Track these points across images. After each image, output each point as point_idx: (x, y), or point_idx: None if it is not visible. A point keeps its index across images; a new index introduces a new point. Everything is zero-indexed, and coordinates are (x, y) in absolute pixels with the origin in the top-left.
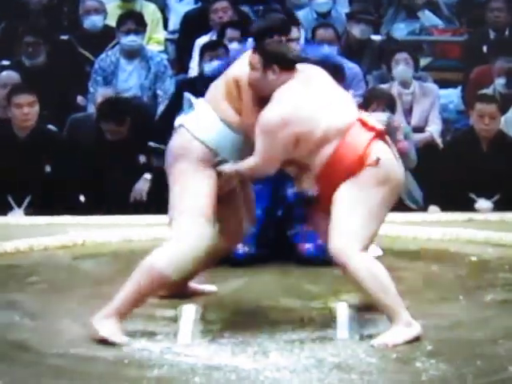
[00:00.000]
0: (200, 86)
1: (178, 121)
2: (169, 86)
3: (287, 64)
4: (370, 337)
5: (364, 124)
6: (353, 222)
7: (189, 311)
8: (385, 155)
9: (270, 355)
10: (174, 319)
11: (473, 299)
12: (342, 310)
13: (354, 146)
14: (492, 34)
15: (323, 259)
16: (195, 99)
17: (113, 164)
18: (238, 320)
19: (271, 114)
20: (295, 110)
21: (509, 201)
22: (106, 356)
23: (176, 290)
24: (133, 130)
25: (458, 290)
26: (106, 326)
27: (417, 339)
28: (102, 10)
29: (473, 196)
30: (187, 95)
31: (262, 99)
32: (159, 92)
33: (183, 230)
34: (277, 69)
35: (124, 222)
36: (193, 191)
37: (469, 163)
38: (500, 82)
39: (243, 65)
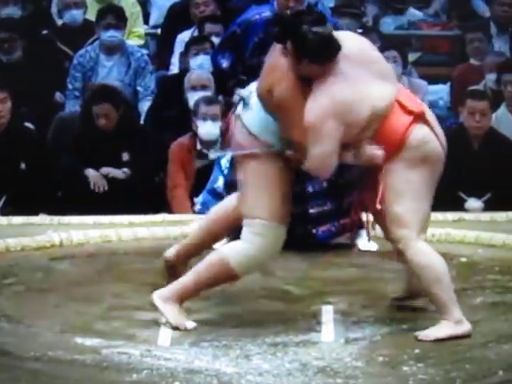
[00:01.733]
0: None
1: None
2: (149, 82)
3: (317, 59)
4: (356, 340)
5: (402, 106)
6: (405, 209)
7: None
8: (424, 138)
9: (253, 359)
10: (155, 322)
11: (462, 302)
12: (327, 313)
13: (392, 131)
14: (494, 29)
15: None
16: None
17: (95, 161)
18: (219, 323)
19: (311, 112)
20: (335, 102)
21: (500, 200)
22: (84, 359)
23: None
24: (119, 125)
25: None
26: (170, 310)
27: (465, 337)
28: (82, 4)
29: (463, 195)
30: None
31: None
32: (139, 88)
33: (257, 232)
34: (307, 63)
35: (103, 222)
36: (265, 191)
37: (459, 161)
38: (491, 77)
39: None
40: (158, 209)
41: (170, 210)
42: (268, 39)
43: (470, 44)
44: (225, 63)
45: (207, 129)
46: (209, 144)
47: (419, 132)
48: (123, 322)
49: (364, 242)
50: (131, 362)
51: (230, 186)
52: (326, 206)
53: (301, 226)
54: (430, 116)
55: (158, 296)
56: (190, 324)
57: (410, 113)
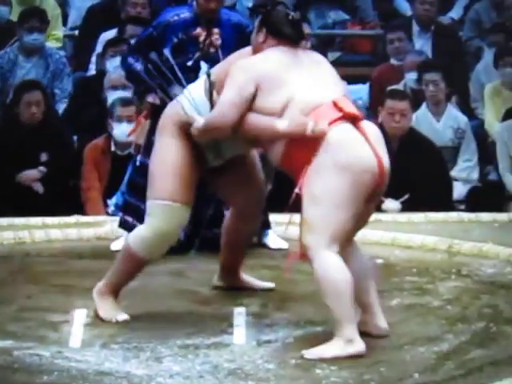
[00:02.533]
0: None
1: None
2: (67, 84)
3: (274, 32)
4: (269, 342)
5: (335, 105)
6: (317, 215)
7: (80, 315)
8: (348, 140)
9: (163, 361)
10: (66, 323)
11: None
12: (239, 315)
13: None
14: (416, 28)
15: None
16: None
17: (12, 160)
18: (130, 325)
19: (238, 63)
20: (262, 63)
21: (418, 201)
22: None
23: (228, 282)
24: (43, 121)
25: None
26: (103, 305)
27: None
28: (8, 2)
29: None
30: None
31: None
32: (56, 91)
33: (151, 211)
34: (264, 32)
35: (17, 223)
36: (165, 169)
37: None
38: (411, 77)
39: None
40: (71, 210)
41: (83, 212)
42: (186, 40)
43: (390, 44)
44: (139, 66)
45: (122, 130)
46: (123, 145)
47: (344, 131)
48: (35, 323)
49: (274, 241)
50: (42, 363)
51: (132, 187)
52: None
53: (214, 227)
54: (371, 130)
55: (95, 290)
56: (121, 316)
57: (339, 110)
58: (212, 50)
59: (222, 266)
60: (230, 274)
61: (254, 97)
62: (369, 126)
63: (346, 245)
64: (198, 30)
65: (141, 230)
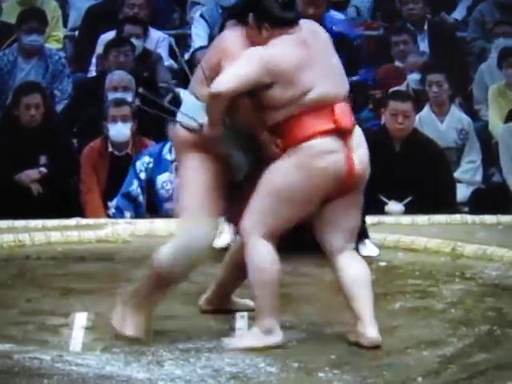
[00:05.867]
0: None
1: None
2: (66, 85)
3: (278, 22)
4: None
5: (332, 113)
6: (262, 205)
7: (81, 319)
8: (326, 153)
9: (165, 365)
10: (66, 327)
11: (380, 307)
12: (241, 318)
13: (303, 125)
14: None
15: None
16: (183, 92)
17: (11, 163)
18: None
19: (250, 49)
20: (277, 57)
21: (421, 203)
22: None
23: (219, 305)
24: (42, 122)
25: None
26: (129, 324)
27: (274, 348)
28: None
29: (383, 198)
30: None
31: None
32: (56, 92)
33: (180, 228)
34: (268, 27)
35: (17, 226)
36: (189, 188)
37: (379, 164)
38: (414, 77)
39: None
40: (71, 213)
41: (83, 214)
42: None
43: (395, 47)
44: None
45: (117, 130)
46: (120, 146)
47: (327, 144)
48: (35, 326)
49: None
50: (42, 367)
51: None
52: None
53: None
54: (357, 137)
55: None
56: (126, 332)
57: (334, 122)
58: None
59: (218, 288)
60: (224, 296)
61: (262, 88)
62: (358, 134)
63: (344, 247)
64: None
65: (164, 247)
